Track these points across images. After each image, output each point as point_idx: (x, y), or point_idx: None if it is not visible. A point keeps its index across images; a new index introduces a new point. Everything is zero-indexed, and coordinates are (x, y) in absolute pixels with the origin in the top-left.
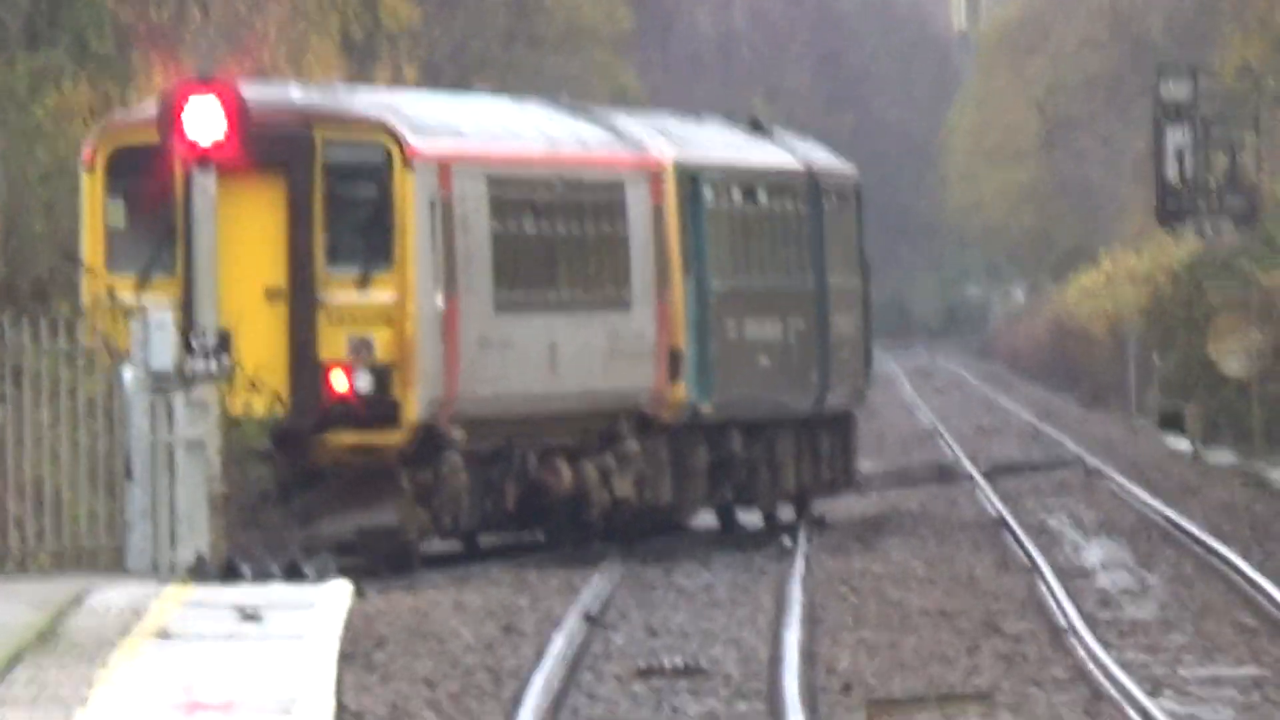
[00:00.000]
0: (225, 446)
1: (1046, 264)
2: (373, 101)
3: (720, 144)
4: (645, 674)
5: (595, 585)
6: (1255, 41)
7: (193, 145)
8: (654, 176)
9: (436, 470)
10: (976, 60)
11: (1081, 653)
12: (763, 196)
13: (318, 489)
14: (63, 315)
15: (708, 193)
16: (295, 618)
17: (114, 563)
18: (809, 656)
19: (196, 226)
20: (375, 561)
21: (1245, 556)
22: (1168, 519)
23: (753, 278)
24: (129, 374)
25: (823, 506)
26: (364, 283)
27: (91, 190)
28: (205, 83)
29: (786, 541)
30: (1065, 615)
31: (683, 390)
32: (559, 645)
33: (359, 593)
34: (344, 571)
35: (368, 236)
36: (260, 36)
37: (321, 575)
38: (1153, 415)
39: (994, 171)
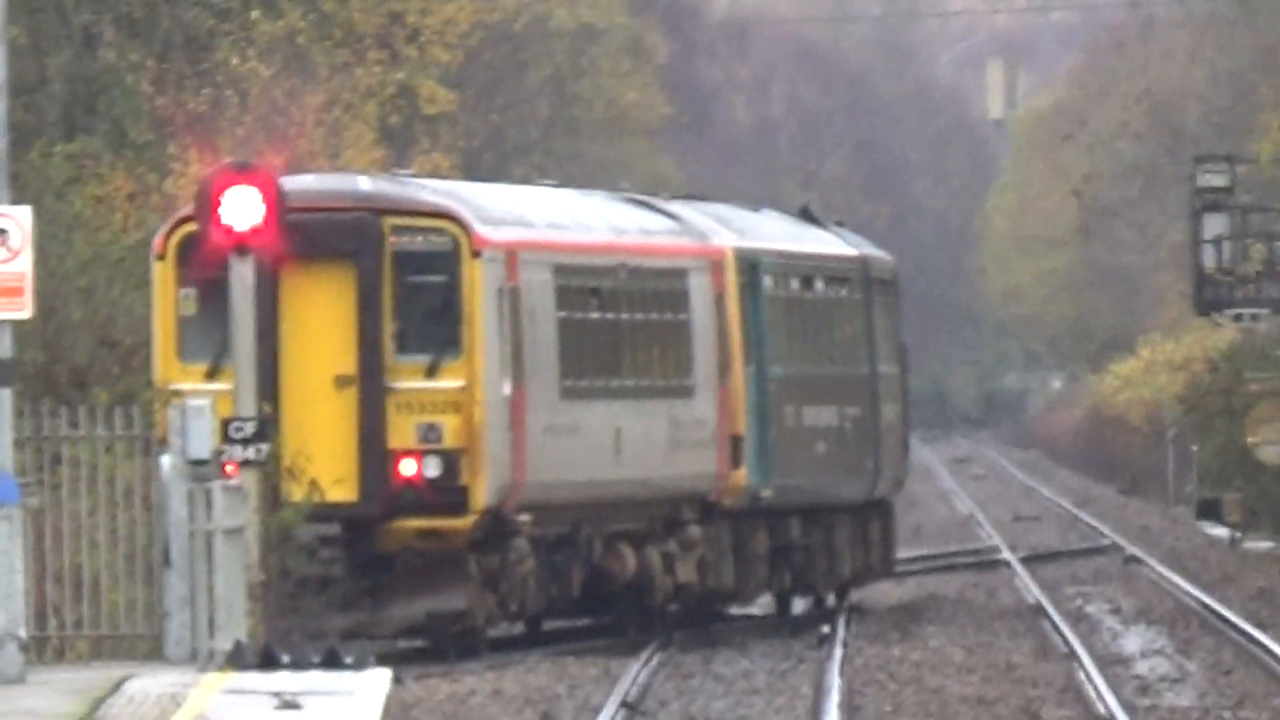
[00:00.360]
0: (264, 533)
1: (1084, 352)
2: (440, 190)
3: (777, 233)
4: None
5: (634, 672)
6: None
7: (228, 231)
8: (715, 265)
9: (503, 556)
10: (1013, 148)
11: None
12: (819, 284)
13: (387, 574)
14: (101, 403)
15: (767, 280)
16: (334, 705)
17: (152, 651)
18: None
19: (235, 314)
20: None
21: None
22: (1206, 606)
23: (810, 365)
24: (167, 461)
25: (860, 593)
26: (433, 370)
27: (163, 279)
28: (242, 170)
29: (825, 629)
30: (1104, 703)
31: (743, 476)
32: None
33: (397, 680)
34: (387, 659)
35: (436, 324)
36: (297, 124)
37: (360, 663)
38: (1191, 503)
39: (1031, 259)
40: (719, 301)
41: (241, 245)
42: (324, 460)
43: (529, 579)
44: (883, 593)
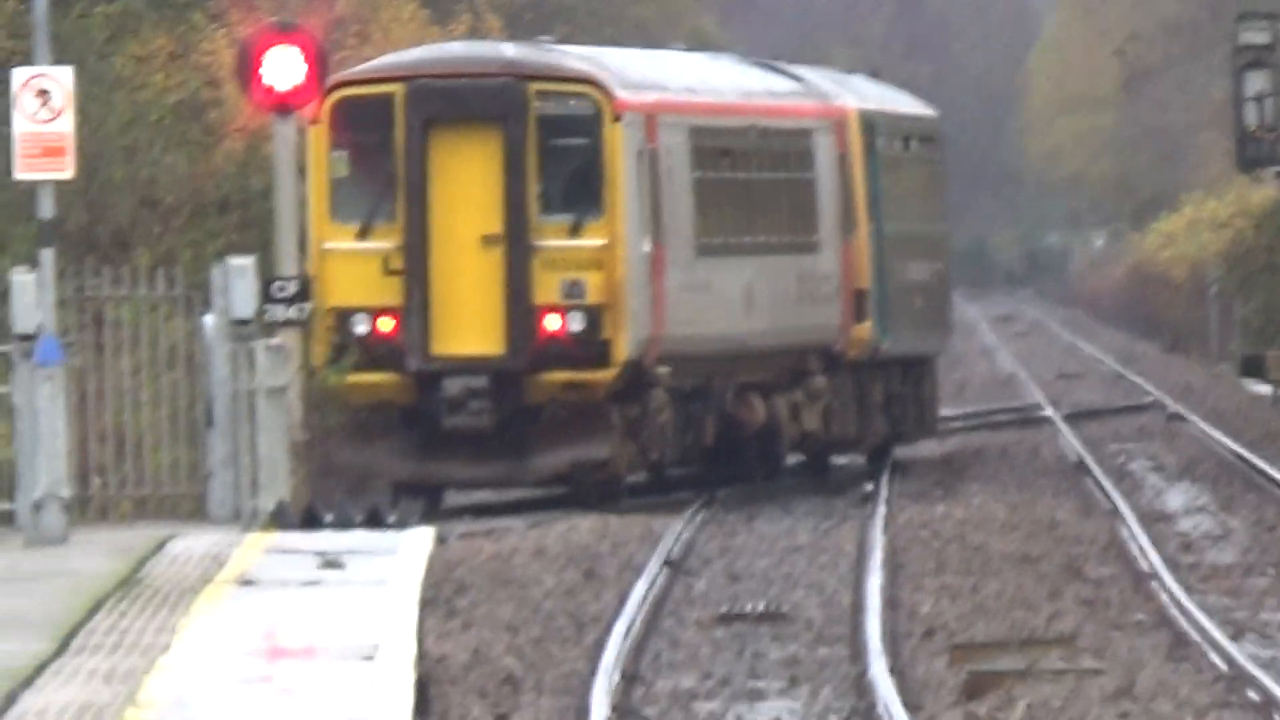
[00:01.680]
0: (306, 393)
1: (1127, 211)
2: (581, 56)
3: (878, 95)
4: (727, 619)
5: (676, 531)
6: None
7: (269, 91)
8: (838, 125)
9: (644, 407)
10: (1055, 6)
11: (1164, 597)
12: (914, 144)
13: (533, 424)
14: (143, 263)
15: (880, 141)
16: (377, 564)
17: (195, 510)
18: (891, 602)
19: (277, 175)
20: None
21: None
22: (1249, 463)
23: (910, 223)
24: (210, 322)
25: (902, 451)
26: (576, 229)
27: (317, 142)
28: (284, 31)
29: (869, 486)
30: (1148, 560)
31: (867, 329)
32: (640, 591)
33: (440, 539)
34: (432, 517)
35: (579, 185)
36: None
37: (403, 522)
38: (1233, 360)
39: (1073, 119)
40: (842, 160)
41: (283, 105)
42: (471, 316)
43: (666, 428)
44: (926, 450)
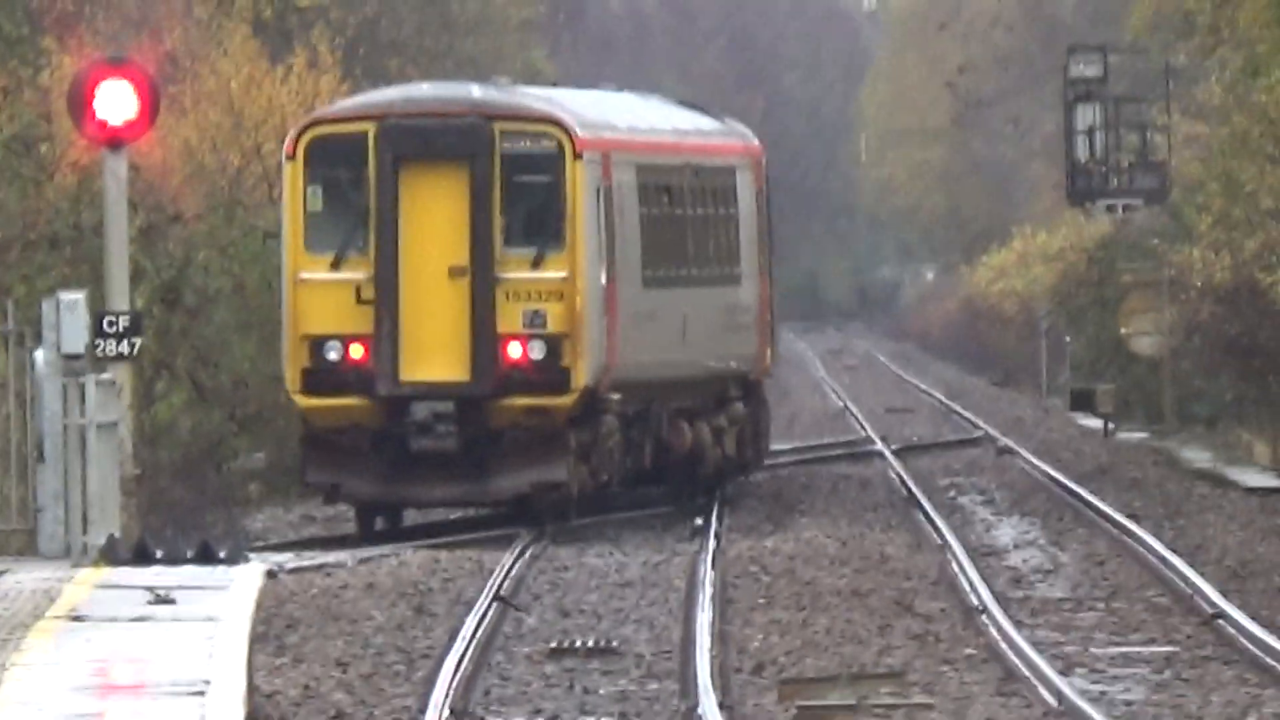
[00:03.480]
0: (138, 428)
1: (958, 244)
2: (542, 97)
3: None
4: (557, 654)
5: (506, 565)
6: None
7: (103, 125)
8: (756, 163)
9: (595, 431)
10: (887, 38)
11: (994, 632)
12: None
13: (496, 447)
14: None
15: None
16: (207, 599)
17: (26, 546)
18: (721, 637)
19: (109, 209)
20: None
21: (1157, 535)
22: (1079, 497)
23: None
24: (40, 356)
25: (731, 486)
26: (538, 262)
27: (292, 177)
28: (116, 65)
29: (698, 521)
30: (977, 594)
31: (770, 356)
32: (470, 626)
33: (270, 574)
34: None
35: (541, 220)
36: (171, 18)
37: (234, 557)
38: (1064, 394)
39: (905, 151)
40: (759, 197)
41: (115, 140)
42: (438, 343)
43: (615, 452)
44: (755, 485)
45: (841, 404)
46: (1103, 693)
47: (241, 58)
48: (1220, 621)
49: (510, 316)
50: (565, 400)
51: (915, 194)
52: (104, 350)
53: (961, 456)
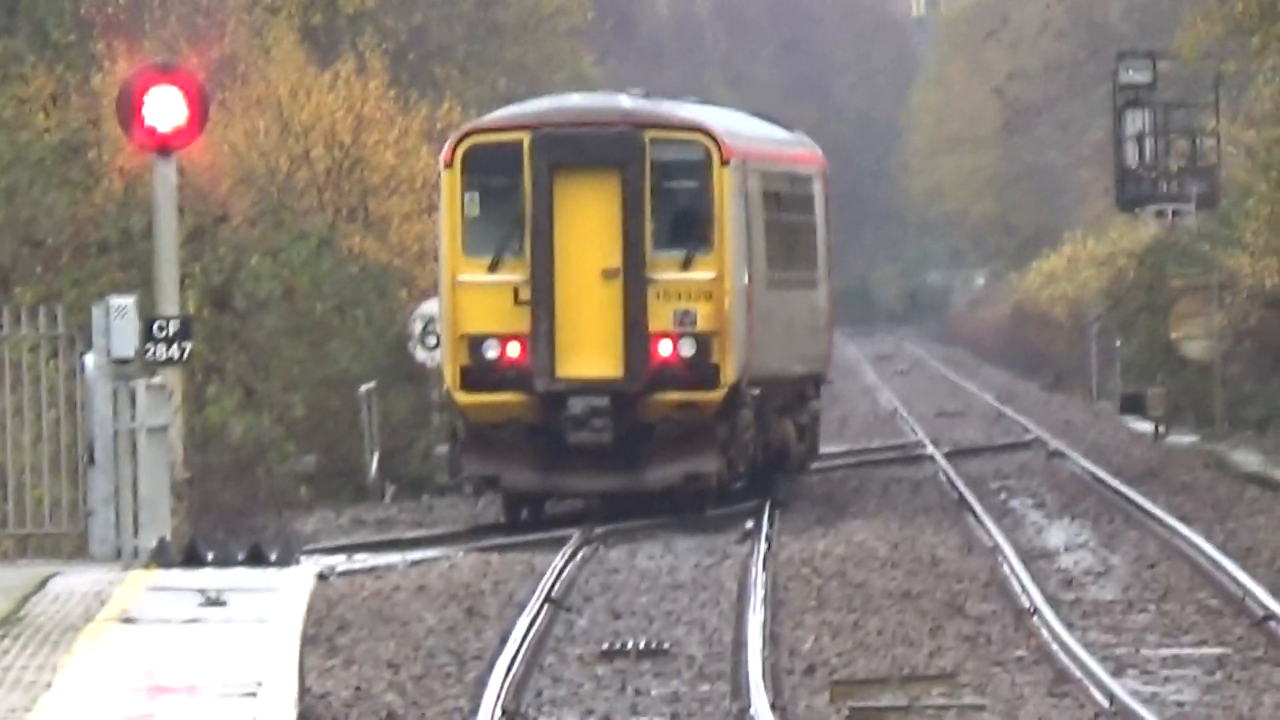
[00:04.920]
0: (188, 431)
1: (1008, 249)
2: (686, 107)
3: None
4: (609, 655)
5: (558, 567)
6: (1215, 23)
7: (151, 132)
8: (823, 172)
9: (734, 425)
10: (935, 46)
11: (1045, 634)
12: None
13: (648, 440)
14: (24, 302)
15: None
16: (258, 601)
17: (78, 549)
18: (772, 638)
19: (159, 214)
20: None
21: (1208, 537)
22: (1130, 500)
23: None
24: (91, 361)
25: (784, 490)
26: (687, 264)
27: (450, 185)
28: (165, 71)
29: (749, 523)
30: (1029, 596)
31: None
32: (522, 628)
33: (321, 576)
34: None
35: (689, 224)
36: (219, 24)
37: (285, 559)
38: (1114, 398)
39: (954, 158)
40: (827, 205)
41: (164, 147)
42: (593, 342)
43: (750, 445)
44: (807, 487)
45: (893, 408)
46: (1154, 694)
47: (290, 64)
48: (1272, 623)
49: (661, 316)
50: (715, 395)
51: (964, 199)
52: (154, 355)
53: (1012, 460)
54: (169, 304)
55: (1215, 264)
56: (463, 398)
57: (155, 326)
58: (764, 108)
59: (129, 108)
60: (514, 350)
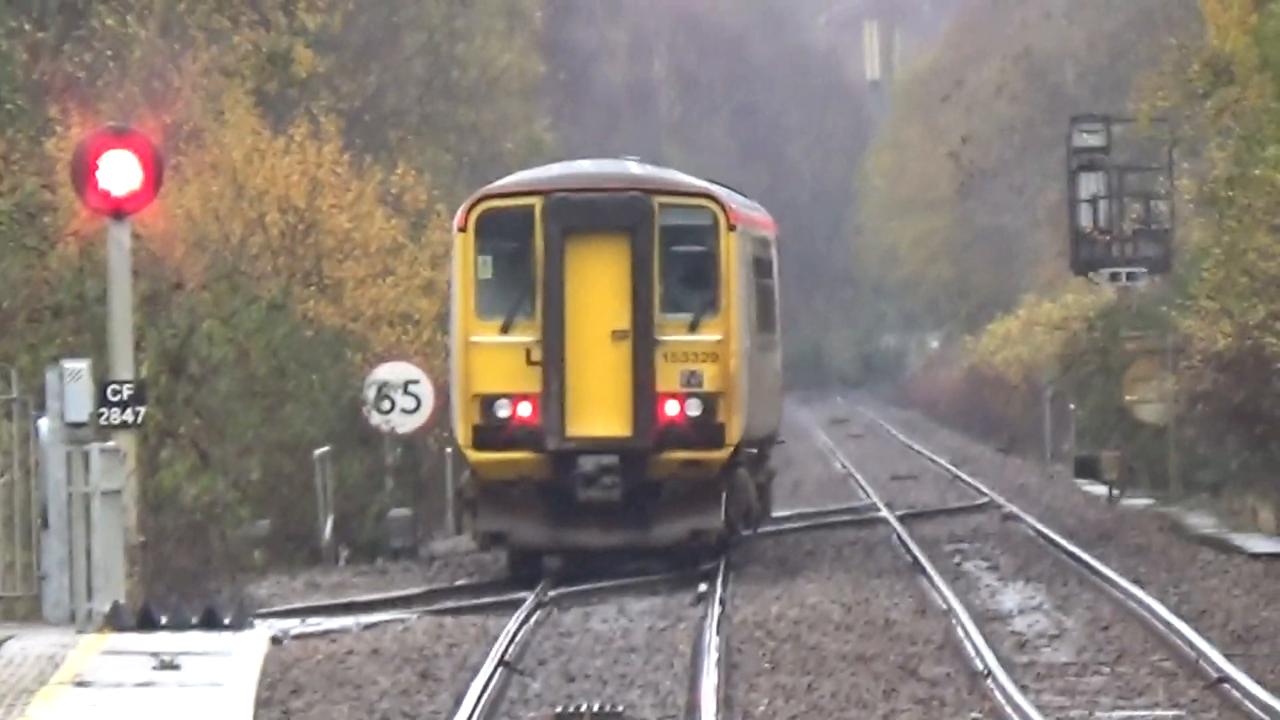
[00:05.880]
0: (143, 495)
1: (962, 312)
2: (688, 175)
3: None
4: (563, 719)
5: (511, 631)
6: (1169, 89)
7: (106, 195)
8: (777, 237)
9: (733, 482)
10: (890, 109)
11: (999, 696)
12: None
13: (655, 498)
14: None
15: None
16: (212, 665)
17: (31, 612)
18: (726, 702)
19: (113, 278)
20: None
21: (1162, 600)
22: (1084, 563)
23: None
24: (45, 425)
25: (736, 552)
26: (694, 326)
27: (464, 248)
28: (120, 135)
29: (702, 586)
30: (983, 659)
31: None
32: (476, 691)
33: (275, 640)
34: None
35: (697, 287)
36: (175, 89)
37: (238, 623)
38: (1068, 461)
39: (909, 221)
40: (779, 270)
41: (119, 210)
42: (602, 401)
43: (746, 501)
44: (760, 550)
45: (846, 471)
46: None
47: (244, 128)
48: (1225, 685)
49: (668, 376)
50: (720, 454)
51: (919, 263)
52: (108, 419)
53: (966, 522)
54: (124, 368)
55: (1169, 327)
56: (475, 456)
57: (109, 391)
58: (717, 172)
59: (83, 171)
60: (525, 410)
